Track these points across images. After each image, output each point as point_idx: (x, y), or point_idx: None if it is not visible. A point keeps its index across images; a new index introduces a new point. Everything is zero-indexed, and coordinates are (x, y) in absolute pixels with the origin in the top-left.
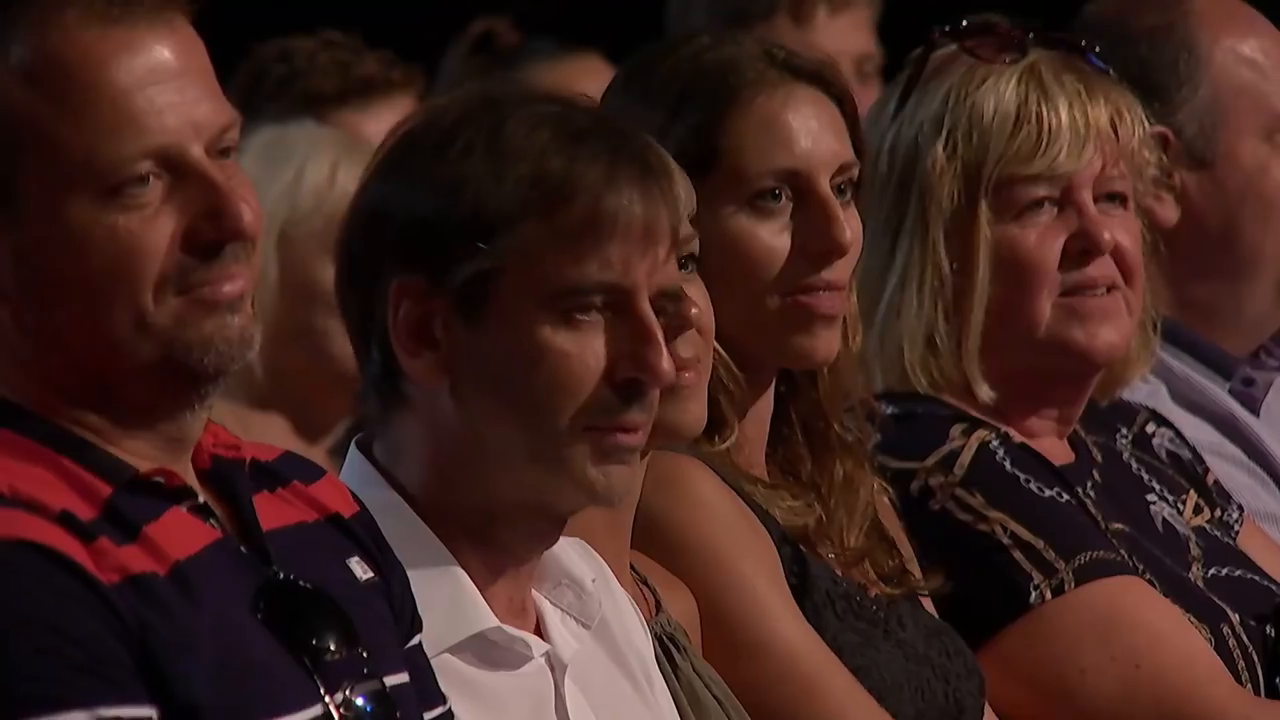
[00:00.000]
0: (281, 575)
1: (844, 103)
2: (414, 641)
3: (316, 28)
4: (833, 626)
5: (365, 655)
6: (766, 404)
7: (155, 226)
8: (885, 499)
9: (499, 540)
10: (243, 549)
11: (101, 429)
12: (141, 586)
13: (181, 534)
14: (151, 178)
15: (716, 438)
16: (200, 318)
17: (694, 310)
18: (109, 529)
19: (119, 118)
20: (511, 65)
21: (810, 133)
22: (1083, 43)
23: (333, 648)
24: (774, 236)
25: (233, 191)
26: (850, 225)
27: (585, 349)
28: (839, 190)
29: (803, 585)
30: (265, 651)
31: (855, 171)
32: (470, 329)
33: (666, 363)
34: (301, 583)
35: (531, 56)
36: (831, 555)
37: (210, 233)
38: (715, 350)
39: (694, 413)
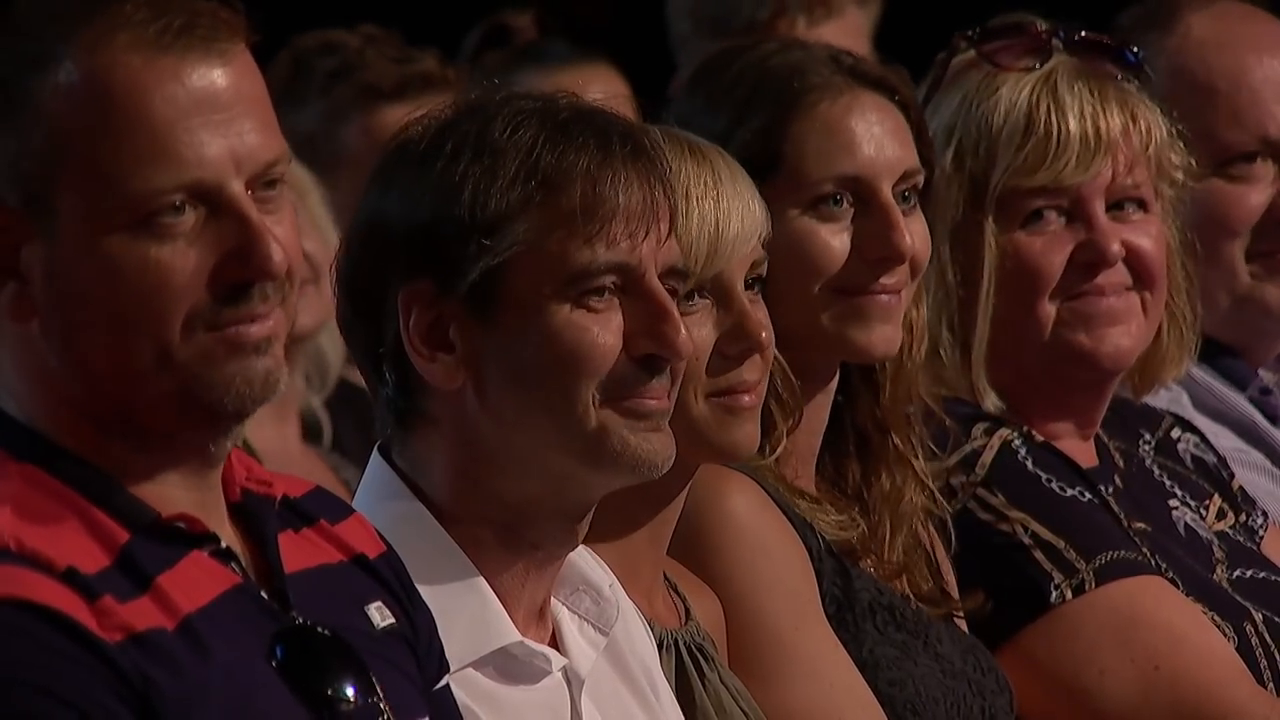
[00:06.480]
0: (299, 620)
1: (909, 110)
2: (442, 684)
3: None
4: (871, 639)
5: (382, 705)
6: (820, 416)
7: (186, 259)
8: (932, 528)
9: (525, 542)
10: (262, 594)
11: (126, 461)
12: (146, 643)
13: (197, 582)
14: (187, 208)
15: (765, 449)
16: (224, 357)
17: (764, 334)
18: (118, 582)
19: (156, 148)
20: (521, 64)
21: (874, 139)
22: (1115, 40)
23: (349, 697)
24: (834, 238)
25: (265, 230)
26: (913, 232)
27: (603, 327)
28: (902, 197)
29: (845, 597)
30: (277, 703)
31: (920, 178)
32: (485, 327)
33: (683, 336)
34: (320, 629)
35: (541, 58)
36: (873, 569)
37: (237, 271)
38: (774, 359)
39: (749, 433)
